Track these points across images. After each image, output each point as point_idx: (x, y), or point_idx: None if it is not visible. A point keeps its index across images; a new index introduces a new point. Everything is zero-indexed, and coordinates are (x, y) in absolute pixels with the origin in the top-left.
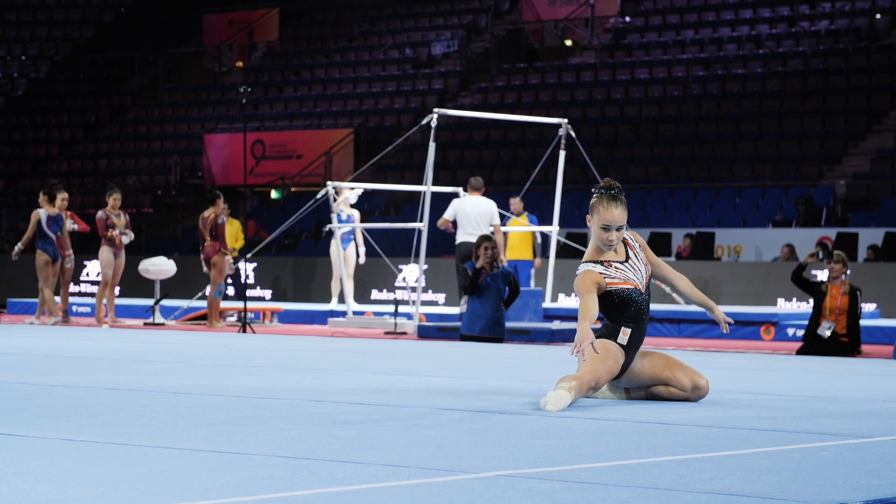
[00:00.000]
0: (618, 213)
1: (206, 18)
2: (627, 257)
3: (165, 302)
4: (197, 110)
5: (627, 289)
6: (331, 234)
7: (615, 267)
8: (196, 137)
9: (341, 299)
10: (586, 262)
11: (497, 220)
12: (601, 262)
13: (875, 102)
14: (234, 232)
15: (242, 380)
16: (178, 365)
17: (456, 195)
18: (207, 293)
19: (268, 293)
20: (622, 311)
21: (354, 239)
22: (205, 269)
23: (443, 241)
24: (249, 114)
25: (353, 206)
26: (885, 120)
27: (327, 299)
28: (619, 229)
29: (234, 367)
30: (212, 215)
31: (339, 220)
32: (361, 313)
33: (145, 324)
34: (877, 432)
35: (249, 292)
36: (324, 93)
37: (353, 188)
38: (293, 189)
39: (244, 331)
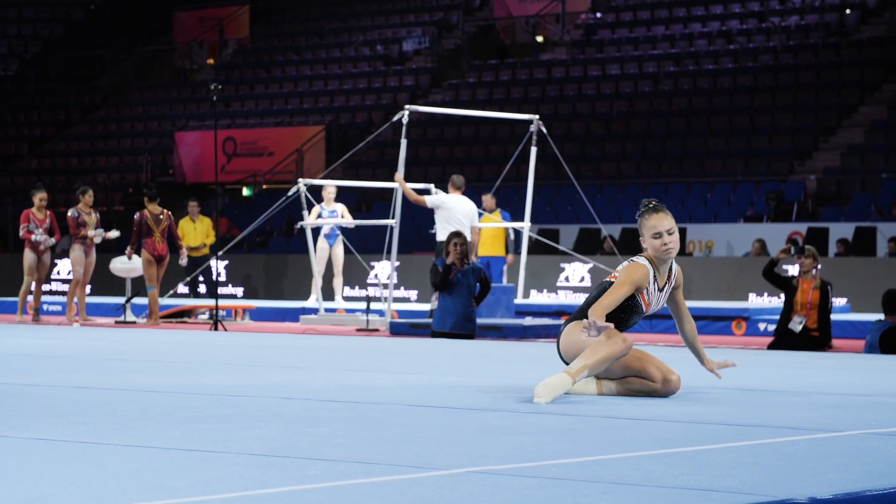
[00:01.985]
0: (664, 218)
1: (176, 16)
2: (664, 288)
3: (137, 300)
4: (168, 108)
5: (642, 307)
6: (302, 231)
7: (655, 287)
8: (167, 135)
9: (327, 296)
10: (644, 263)
11: (477, 222)
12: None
13: (845, 98)
14: (204, 229)
15: (213, 378)
16: (149, 363)
17: (427, 192)
18: (149, 291)
19: (239, 291)
20: (622, 319)
21: (342, 234)
22: (147, 267)
23: (415, 238)
24: (220, 111)
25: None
26: (855, 115)
27: (299, 296)
28: (670, 233)
29: (205, 365)
30: (165, 213)
31: (322, 216)
32: (333, 310)
33: (116, 322)
34: (847, 426)
35: (221, 290)
36: (295, 90)
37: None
38: (264, 186)
39: (216, 328)
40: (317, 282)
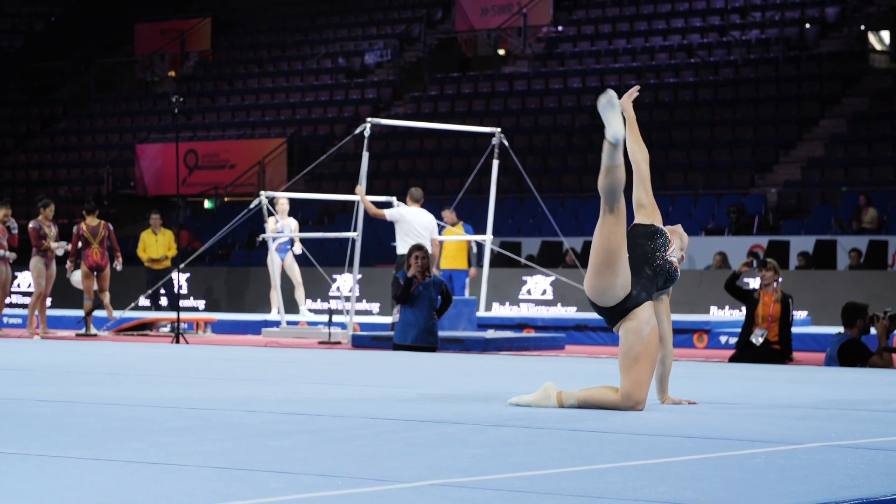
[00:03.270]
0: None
1: (137, 28)
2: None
3: (97, 313)
4: (129, 120)
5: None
6: (264, 244)
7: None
8: (128, 147)
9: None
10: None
11: (437, 234)
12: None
13: (805, 111)
14: (166, 242)
15: (175, 391)
16: (110, 376)
17: (389, 204)
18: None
19: (201, 303)
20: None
21: (292, 247)
22: (84, 280)
23: (377, 250)
24: (182, 123)
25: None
26: (816, 128)
27: (261, 309)
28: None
29: (166, 378)
30: (102, 224)
31: (280, 231)
32: (296, 323)
33: (77, 335)
34: (807, 439)
35: (182, 302)
36: (256, 102)
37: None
38: (226, 199)
39: (177, 341)
40: (277, 294)
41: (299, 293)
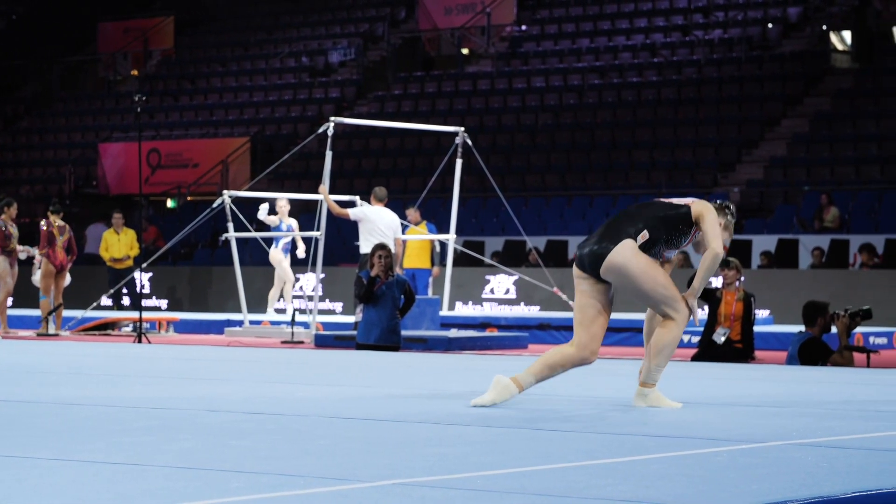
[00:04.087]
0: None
1: (100, 27)
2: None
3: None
4: (91, 119)
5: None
6: (227, 243)
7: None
8: (91, 146)
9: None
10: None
11: (400, 234)
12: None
13: (768, 110)
14: (128, 241)
15: (137, 391)
16: (72, 376)
17: (353, 204)
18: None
19: (163, 303)
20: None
21: (295, 248)
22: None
23: (340, 249)
24: (145, 122)
25: (258, 218)
26: (778, 128)
27: (224, 308)
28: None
29: (129, 377)
30: (66, 227)
31: (279, 230)
32: (258, 322)
33: (38, 335)
34: (768, 437)
35: (145, 302)
36: (220, 101)
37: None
38: (189, 198)
39: (139, 341)
40: (275, 294)
41: (289, 288)
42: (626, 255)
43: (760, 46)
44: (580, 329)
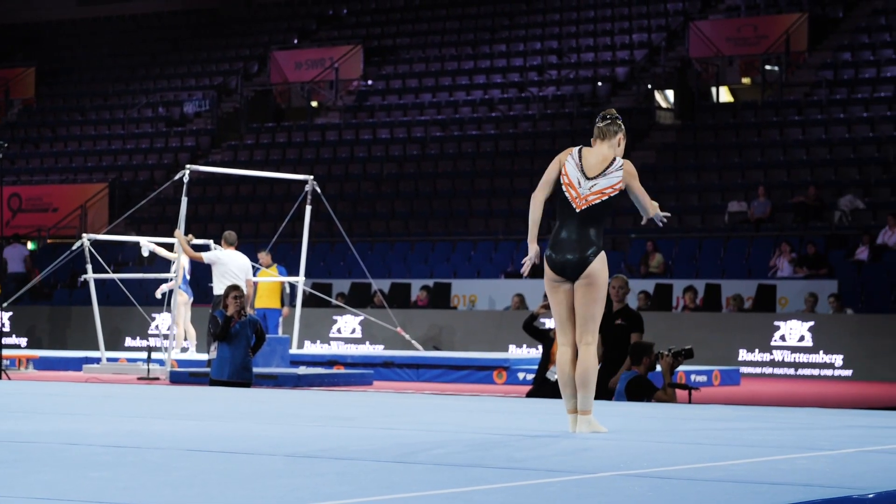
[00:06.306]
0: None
1: None
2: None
3: None
4: None
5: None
6: (86, 283)
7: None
8: None
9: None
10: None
11: (251, 276)
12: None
13: None
14: None
15: None
16: None
17: (207, 247)
18: None
19: (23, 341)
20: None
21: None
22: None
23: (194, 290)
24: (6, 168)
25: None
26: None
27: (83, 346)
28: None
29: None
30: None
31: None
32: (116, 359)
33: None
34: (600, 468)
35: (5, 340)
36: (79, 148)
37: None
38: (49, 241)
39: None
40: (182, 332)
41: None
42: (603, 267)
43: (591, 103)
44: (567, 327)
